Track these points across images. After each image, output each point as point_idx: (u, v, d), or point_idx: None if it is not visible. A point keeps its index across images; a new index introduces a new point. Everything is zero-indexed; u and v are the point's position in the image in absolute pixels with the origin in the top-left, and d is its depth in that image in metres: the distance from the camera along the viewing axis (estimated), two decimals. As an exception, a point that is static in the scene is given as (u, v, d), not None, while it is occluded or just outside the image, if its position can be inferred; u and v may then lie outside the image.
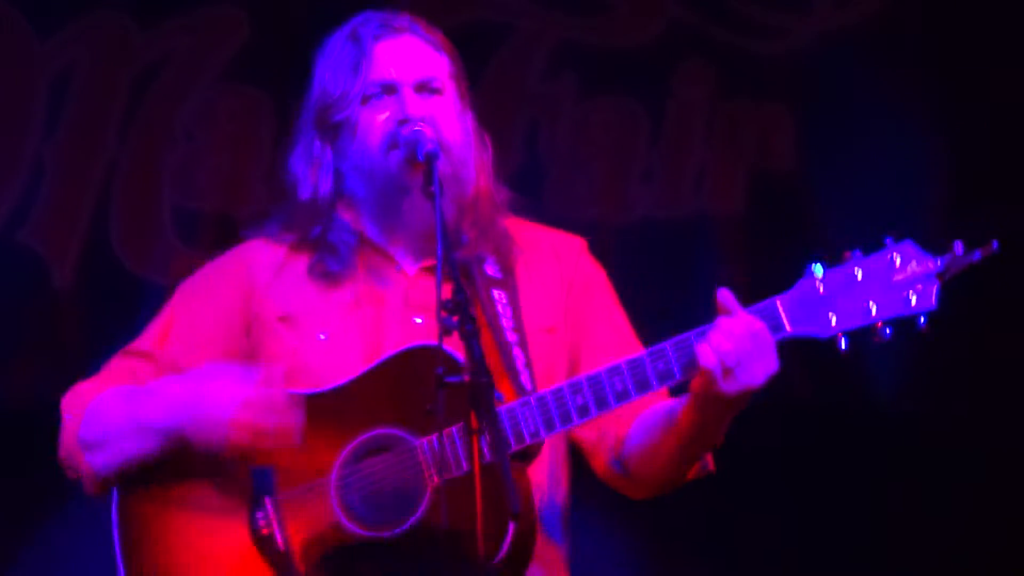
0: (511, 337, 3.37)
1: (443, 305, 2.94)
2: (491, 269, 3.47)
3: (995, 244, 3.06)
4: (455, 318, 2.93)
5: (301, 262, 3.52)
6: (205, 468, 3.35)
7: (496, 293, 3.43)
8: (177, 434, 3.31)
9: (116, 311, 5.89)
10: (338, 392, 3.33)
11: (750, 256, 5.94)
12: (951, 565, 5.77)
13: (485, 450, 2.95)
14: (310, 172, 3.54)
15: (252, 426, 3.25)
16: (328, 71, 3.52)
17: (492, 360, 3.22)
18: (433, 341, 3.00)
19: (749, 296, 6.24)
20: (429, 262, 3.46)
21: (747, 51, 6.09)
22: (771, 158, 6.09)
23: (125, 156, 5.92)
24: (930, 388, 5.85)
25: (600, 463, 3.49)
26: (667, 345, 3.17)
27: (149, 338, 3.62)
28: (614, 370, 3.18)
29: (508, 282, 3.46)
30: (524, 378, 3.34)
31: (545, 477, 3.42)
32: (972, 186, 5.91)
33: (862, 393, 5.87)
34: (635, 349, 3.37)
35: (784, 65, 6.10)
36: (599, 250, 5.90)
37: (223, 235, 5.93)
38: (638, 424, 3.40)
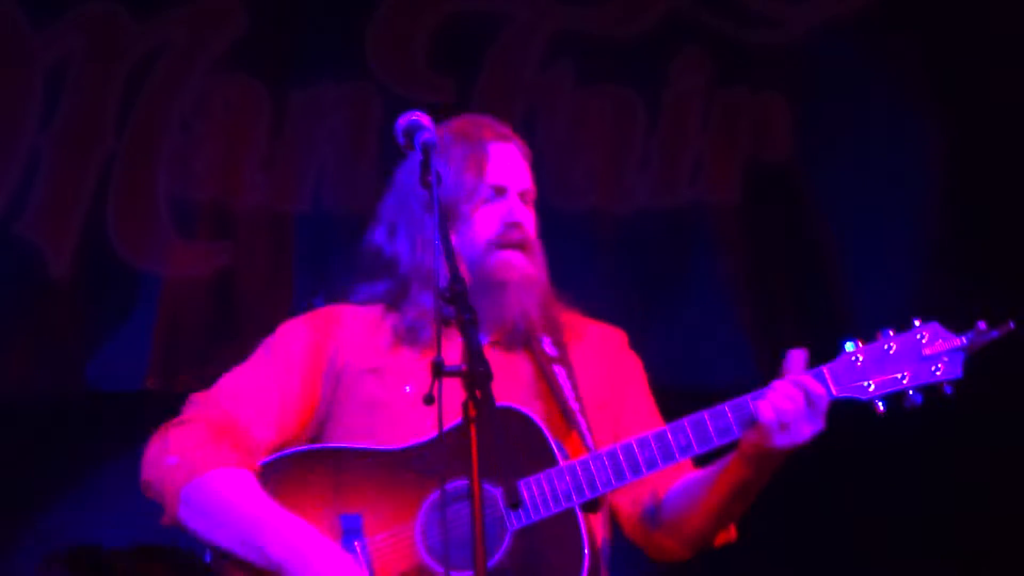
0: (574, 405, 3.69)
1: (440, 294, 2.99)
2: (550, 348, 3.78)
3: (1011, 324, 3.59)
4: (452, 308, 2.97)
5: (390, 323, 3.75)
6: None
7: (557, 368, 3.75)
8: (280, 570, 3.48)
9: (113, 302, 5.90)
10: (424, 446, 3.55)
11: (746, 245, 5.95)
12: (952, 558, 5.78)
13: (560, 498, 3.45)
14: (416, 250, 3.76)
15: None
16: (450, 166, 3.76)
17: (559, 423, 3.64)
18: (522, 408, 3.50)
19: (749, 288, 6.22)
20: (495, 337, 3.75)
21: (744, 41, 6.10)
22: (767, 148, 6.10)
23: (121, 147, 5.91)
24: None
25: (632, 521, 3.79)
26: (725, 406, 3.54)
27: (247, 383, 3.74)
28: (677, 428, 3.55)
29: (564, 360, 3.78)
30: (589, 440, 3.64)
31: (601, 528, 3.71)
32: (968, 175, 5.91)
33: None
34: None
35: (781, 55, 6.10)
36: (596, 239, 5.90)
37: (219, 225, 5.97)
38: (679, 484, 3.73)
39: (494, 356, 3.55)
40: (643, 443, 3.53)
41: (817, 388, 3.50)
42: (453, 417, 3.34)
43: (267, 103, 5.98)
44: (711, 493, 3.64)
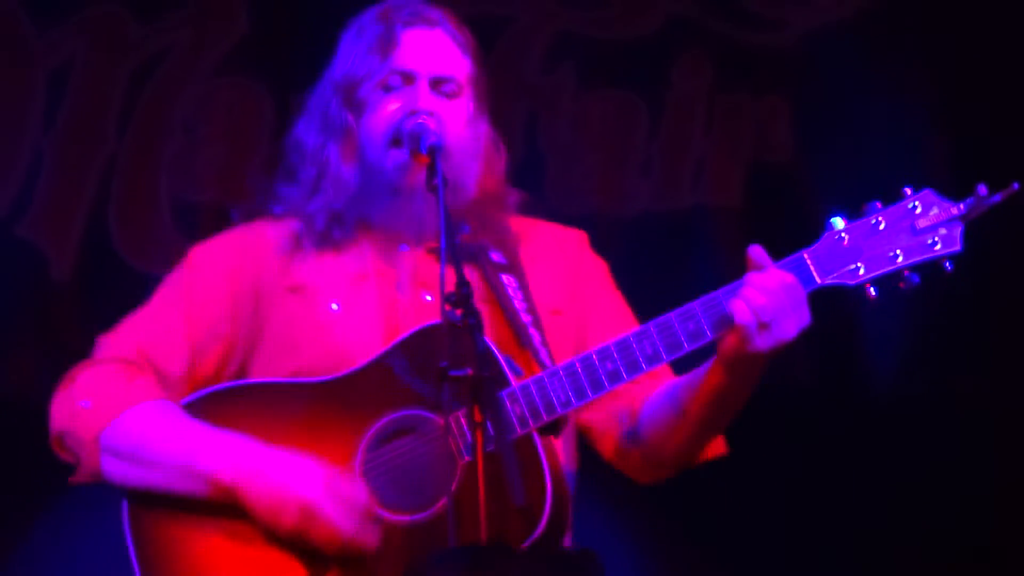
0: (525, 318, 3.37)
1: (447, 298, 2.94)
2: (496, 256, 3.48)
3: (1015, 185, 3.24)
4: (459, 311, 2.93)
5: (310, 234, 3.50)
6: None
7: (505, 278, 3.43)
8: (232, 494, 3.24)
9: (115, 304, 5.88)
10: (357, 375, 3.30)
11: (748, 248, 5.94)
12: (954, 549, 5.79)
13: (515, 423, 3.09)
14: (327, 143, 3.52)
15: (327, 522, 3.19)
16: (355, 48, 3.54)
17: (508, 338, 3.29)
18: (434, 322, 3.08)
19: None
20: (434, 244, 3.43)
21: (746, 44, 6.10)
22: (769, 151, 6.10)
23: (123, 149, 5.91)
24: (931, 370, 5.86)
25: (609, 442, 3.48)
26: (695, 305, 3.17)
27: (161, 314, 3.56)
28: (642, 334, 3.18)
29: (514, 268, 3.47)
30: (543, 355, 3.33)
31: (562, 456, 3.40)
32: (970, 178, 5.90)
33: (864, 377, 5.89)
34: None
35: (783, 58, 6.10)
36: (597, 242, 5.90)
37: (221, 227, 5.96)
38: (655, 396, 3.39)
39: (430, 263, 3.38)
40: (604, 354, 3.16)
41: (789, 278, 3.10)
42: (401, 325, 3.24)
43: (269, 105, 5.97)
44: (690, 404, 3.26)
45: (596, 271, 3.61)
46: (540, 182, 5.95)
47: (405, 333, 3.31)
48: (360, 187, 3.49)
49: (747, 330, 3.09)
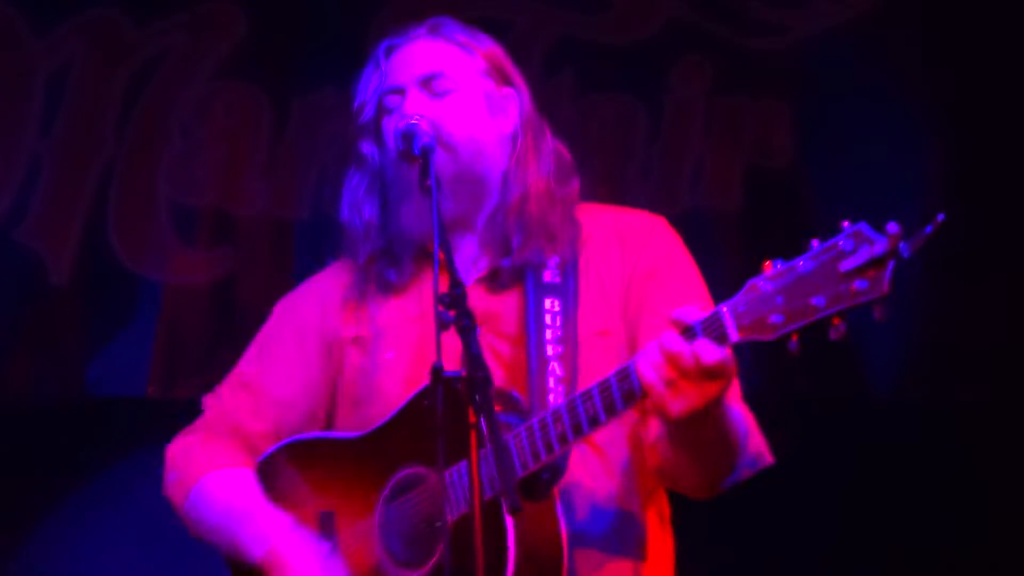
0: (554, 350, 3.27)
1: (439, 299, 2.91)
2: (549, 274, 3.37)
3: (940, 216, 2.80)
4: (452, 312, 2.91)
5: (366, 280, 3.52)
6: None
7: (548, 302, 3.32)
8: (259, 570, 3.39)
9: (113, 308, 5.89)
10: (380, 431, 3.34)
11: (747, 252, 5.94)
12: (955, 554, 5.78)
13: (486, 485, 2.95)
14: (360, 192, 3.55)
15: None
16: (359, 88, 3.52)
17: (521, 377, 3.24)
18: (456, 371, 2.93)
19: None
20: (484, 271, 3.40)
21: (745, 48, 6.09)
22: (769, 155, 6.09)
23: (122, 153, 5.91)
24: (930, 378, 5.86)
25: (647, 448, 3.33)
26: (631, 364, 2.97)
27: (246, 370, 3.64)
28: (586, 394, 3.01)
29: (565, 286, 3.35)
30: (551, 397, 3.23)
31: (613, 486, 3.31)
32: (969, 181, 5.90)
33: (862, 384, 5.88)
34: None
35: (782, 61, 6.09)
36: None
37: (220, 231, 5.96)
38: (652, 433, 3.26)
39: (475, 295, 3.27)
40: (556, 415, 3.02)
41: (684, 347, 2.82)
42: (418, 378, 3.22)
43: (268, 109, 5.97)
44: (672, 451, 3.12)
45: (659, 266, 3.40)
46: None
47: (420, 387, 3.30)
48: (392, 215, 3.47)
49: (655, 396, 2.90)
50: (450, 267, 2.99)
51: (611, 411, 2.97)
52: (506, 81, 3.54)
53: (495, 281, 3.38)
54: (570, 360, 3.28)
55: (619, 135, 6.09)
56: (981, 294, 5.71)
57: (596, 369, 3.18)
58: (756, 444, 3.24)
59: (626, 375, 2.95)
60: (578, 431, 3.01)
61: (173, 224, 5.91)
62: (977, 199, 5.85)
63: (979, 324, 5.77)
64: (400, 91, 3.43)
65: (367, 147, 3.51)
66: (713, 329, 2.87)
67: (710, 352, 2.85)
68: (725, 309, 2.85)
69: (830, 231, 2.75)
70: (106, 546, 5.50)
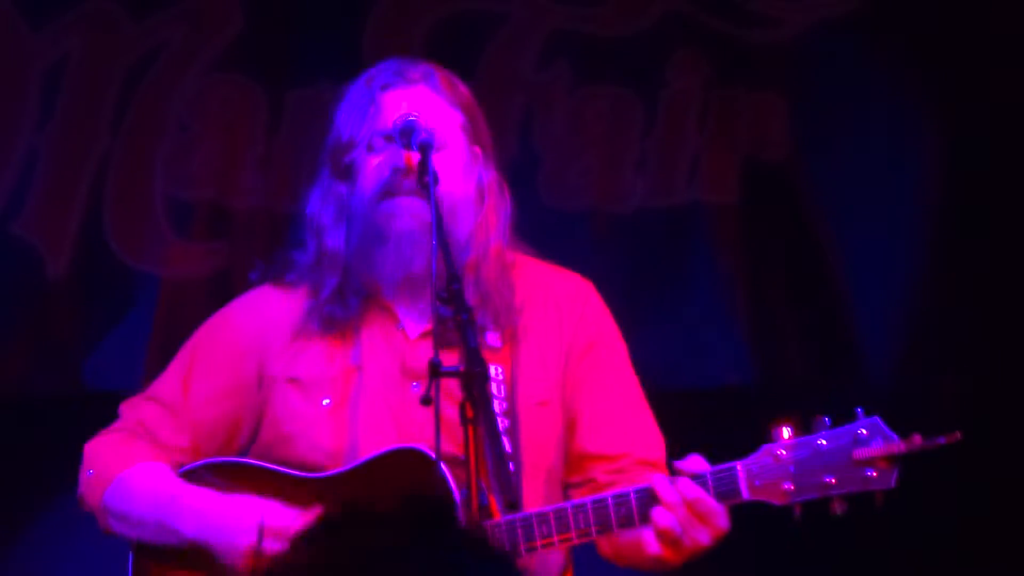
0: (502, 423, 3.33)
1: (438, 295, 2.93)
2: (491, 338, 3.44)
3: (959, 435, 3.11)
4: (450, 308, 2.92)
5: (314, 318, 3.51)
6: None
7: (493, 369, 3.37)
8: (199, 546, 3.39)
9: (110, 302, 5.89)
10: (329, 481, 3.36)
11: (744, 245, 5.94)
12: (954, 550, 5.78)
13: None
14: (322, 211, 3.53)
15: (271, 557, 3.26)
16: (342, 116, 3.54)
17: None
18: (414, 445, 3.13)
19: (747, 288, 6.19)
20: (429, 326, 3.40)
21: (742, 40, 6.09)
22: (765, 148, 6.09)
23: (118, 147, 5.90)
24: (928, 369, 5.86)
25: None
26: (630, 491, 3.17)
27: (168, 387, 3.65)
28: (579, 507, 3.16)
29: (506, 351, 3.43)
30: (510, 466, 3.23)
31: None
32: (966, 176, 5.91)
33: (861, 375, 5.88)
34: (635, 413, 3.41)
35: (779, 54, 6.09)
36: (593, 240, 5.85)
37: (216, 225, 5.96)
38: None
39: (422, 349, 3.35)
40: (542, 518, 3.14)
41: (703, 495, 3.08)
42: (384, 419, 3.22)
43: (264, 103, 5.96)
44: (632, 558, 3.27)
45: (597, 341, 3.52)
46: (535, 180, 5.94)
47: (373, 453, 3.34)
48: (354, 252, 3.49)
49: (667, 533, 3.11)
50: (448, 260, 3.04)
51: (627, 523, 3.13)
52: (477, 139, 3.55)
53: (442, 336, 3.31)
54: (514, 434, 3.35)
55: (615, 128, 6.08)
56: (979, 291, 5.72)
57: (536, 442, 3.33)
58: None
59: (643, 497, 3.12)
60: (567, 541, 3.15)
61: (169, 217, 5.91)
62: (975, 191, 5.86)
63: (979, 322, 5.77)
64: (392, 138, 3.44)
65: (343, 183, 3.51)
66: (727, 483, 3.09)
67: (712, 507, 3.10)
68: (739, 467, 3.10)
69: (844, 418, 3.09)
70: (102, 538, 5.49)
